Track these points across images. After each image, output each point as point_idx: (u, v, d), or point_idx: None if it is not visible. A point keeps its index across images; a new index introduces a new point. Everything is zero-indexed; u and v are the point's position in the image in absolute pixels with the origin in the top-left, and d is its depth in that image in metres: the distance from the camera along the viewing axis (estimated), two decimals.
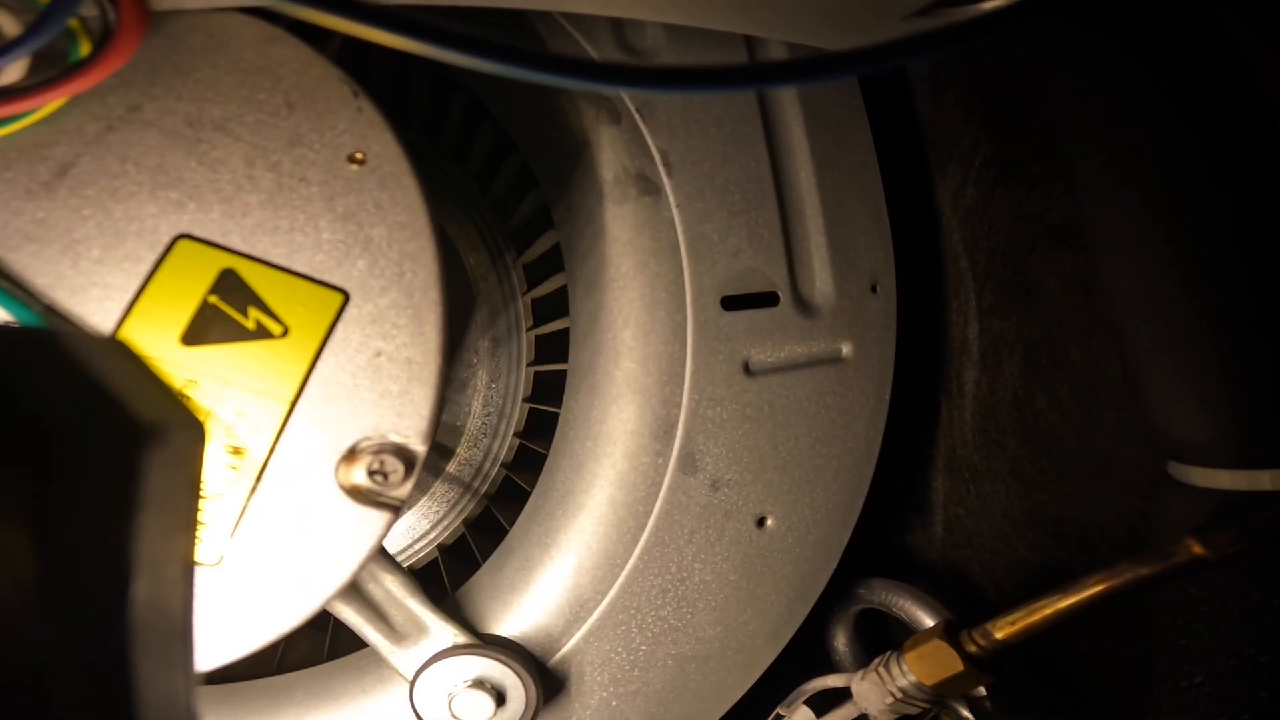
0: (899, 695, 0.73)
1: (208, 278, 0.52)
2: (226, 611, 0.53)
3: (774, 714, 0.82)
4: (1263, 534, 0.60)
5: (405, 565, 0.93)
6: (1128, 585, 0.63)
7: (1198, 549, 0.61)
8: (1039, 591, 0.69)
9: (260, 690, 0.75)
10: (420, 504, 0.93)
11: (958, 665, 0.69)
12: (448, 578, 0.88)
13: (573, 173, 0.79)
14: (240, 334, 0.52)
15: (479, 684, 0.68)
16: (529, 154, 0.85)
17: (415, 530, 0.94)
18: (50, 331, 0.27)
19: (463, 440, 0.92)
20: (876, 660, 0.75)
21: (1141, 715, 0.71)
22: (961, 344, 0.90)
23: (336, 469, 0.54)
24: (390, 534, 0.95)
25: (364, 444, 0.54)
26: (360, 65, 0.80)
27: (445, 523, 0.93)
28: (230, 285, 0.52)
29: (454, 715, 0.67)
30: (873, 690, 0.74)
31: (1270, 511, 0.60)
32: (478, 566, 0.79)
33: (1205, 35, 0.62)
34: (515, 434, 0.91)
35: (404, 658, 0.70)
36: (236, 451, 0.52)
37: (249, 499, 0.52)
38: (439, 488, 0.93)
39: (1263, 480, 0.60)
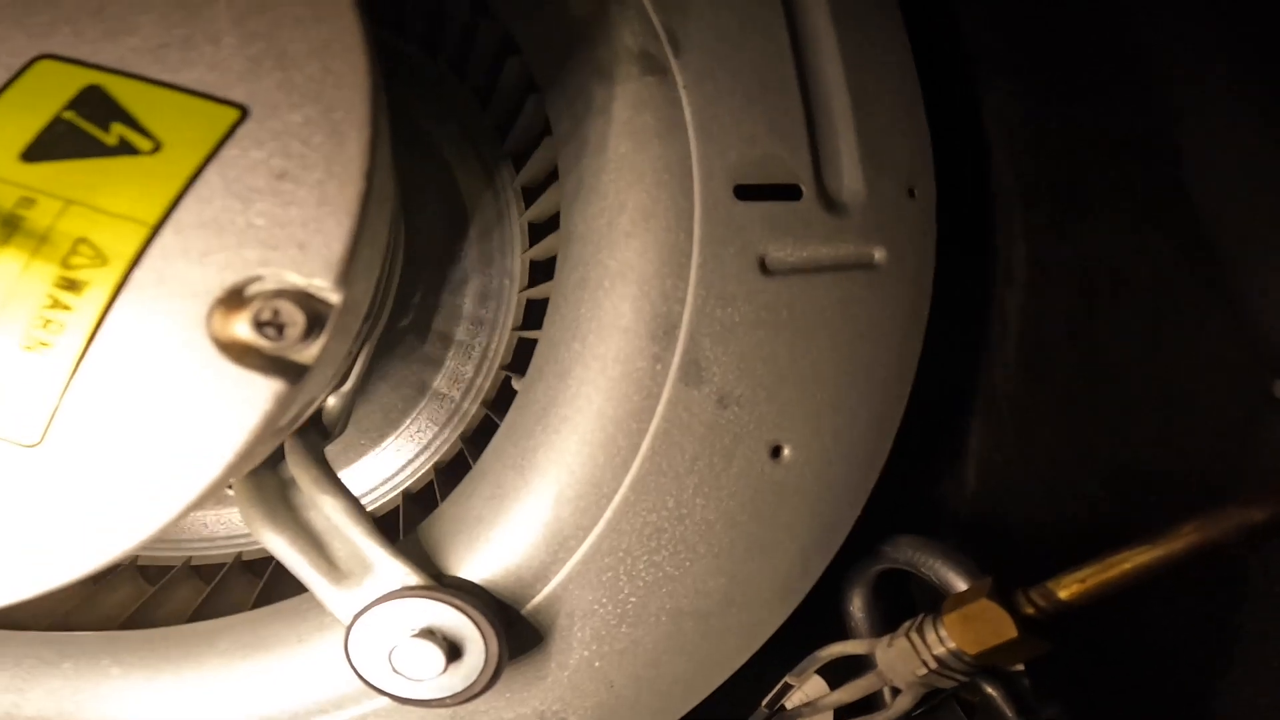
0: (934, 666, 0.58)
1: (65, 95, 0.37)
2: (49, 513, 0.36)
3: (782, 682, 0.67)
4: None
5: (403, 488, 0.79)
6: (1235, 534, 0.48)
7: None
8: (1088, 554, 0.54)
9: (180, 637, 0.60)
10: (420, 411, 0.80)
11: (1010, 631, 0.53)
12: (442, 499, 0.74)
13: (568, 54, 0.64)
14: (96, 150, 0.36)
15: (428, 633, 0.53)
16: (523, 41, 0.70)
17: (417, 445, 0.80)
18: None
19: (452, 350, 0.80)
20: (907, 624, 0.59)
21: (1216, 695, 0.57)
22: (1006, 268, 0.75)
23: (210, 316, 0.36)
24: (380, 455, 0.81)
25: (253, 285, 0.37)
26: None
27: (444, 436, 0.80)
28: (92, 100, 0.37)
29: (395, 669, 0.52)
30: (901, 659, 0.59)
31: None
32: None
33: None
34: (506, 363, 0.78)
35: (343, 599, 0.54)
36: (73, 287, 0.36)
37: (84, 352, 0.36)
38: (438, 390, 0.80)
39: None
